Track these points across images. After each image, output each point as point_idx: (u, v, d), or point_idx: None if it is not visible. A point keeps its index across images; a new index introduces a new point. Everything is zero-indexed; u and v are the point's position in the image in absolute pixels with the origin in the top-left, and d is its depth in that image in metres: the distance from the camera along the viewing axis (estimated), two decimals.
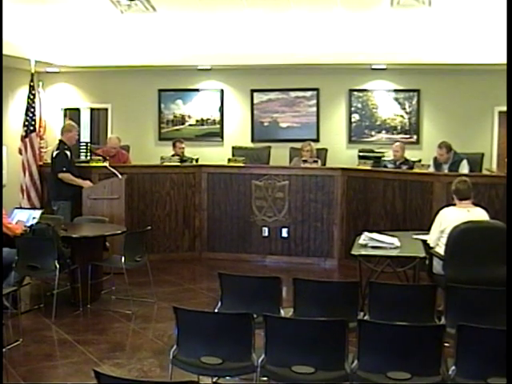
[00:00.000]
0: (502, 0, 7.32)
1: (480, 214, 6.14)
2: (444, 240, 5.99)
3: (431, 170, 8.64)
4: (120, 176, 8.39)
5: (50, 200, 8.58)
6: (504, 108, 9.86)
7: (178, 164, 9.29)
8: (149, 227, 7.76)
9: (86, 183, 8.30)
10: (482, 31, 9.17)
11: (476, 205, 6.24)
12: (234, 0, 8.67)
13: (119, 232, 7.15)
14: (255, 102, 11.24)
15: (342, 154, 10.78)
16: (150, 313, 6.91)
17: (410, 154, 9.62)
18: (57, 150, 8.36)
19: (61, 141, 8.42)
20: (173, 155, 9.61)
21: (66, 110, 11.74)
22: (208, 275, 8.43)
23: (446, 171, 8.57)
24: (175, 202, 9.28)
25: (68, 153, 8.35)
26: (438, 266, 6.11)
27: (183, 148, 9.89)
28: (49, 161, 8.82)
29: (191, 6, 8.90)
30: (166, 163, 9.24)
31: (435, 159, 8.81)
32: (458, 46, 9.47)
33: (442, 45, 9.51)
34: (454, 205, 6.27)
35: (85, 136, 11.78)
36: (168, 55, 10.20)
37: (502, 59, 8.93)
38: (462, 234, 5.85)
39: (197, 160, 9.99)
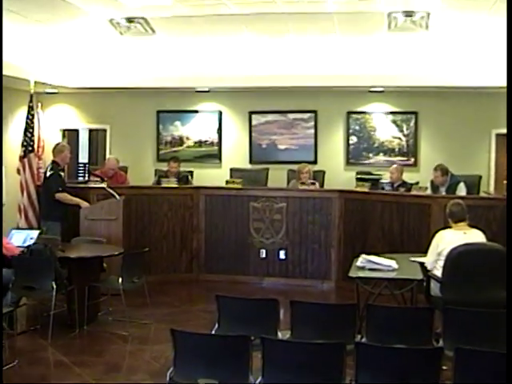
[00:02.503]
0: (498, 23, 7.40)
1: (477, 236, 6.12)
2: (441, 262, 5.96)
3: (429, 192, 8.64)
4: (118, 197, 8.38)
5: (39, 220, 8.59)
6: (502, 130, 9.99)
7: (176, 185, 9.28)
8: (146, 248, 7.70)
9: (84, 203, 8.28)
10: (479, 54, 9.21)
11: (473, 227, 6.22)
12: (234, 23, 8.68)
13: (116, 253, 7.11)
14: (253, 123, 11.27)
15: (340, 176, 10.78)
16: (147, 334, 6.86)
17: (408, 177, 9.62)
18: (50, 170, 8.36)
19: (54, 161, 8.42)
20: (166, 174, 9.62)
21: (64, 130, 11.76)
22: (205, 297, 8.32)
23: (443, 193, 8.57)
24: (173, 224, 9.21)
25: (62, 173, 8.39)
26: (435, 288, 6.07)
27: (176, 167, 9.77)
28: None
29: (190, 29, 8.93)
30: (164, 184, 9.26)
31: (432, 182, 8.82)
32: (456, 69, 9.52)
33: (440, 68, 9.56)
34: (450, 227, 6.28)
35: (83, 157, 11.79)
36: (167, 77, 10.22)
37: (500, 82, 8.96)
38: (459, 257, 5.82)
39: (191, 173, 10.05)
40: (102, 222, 8.23)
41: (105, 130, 11.69)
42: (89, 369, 5.67)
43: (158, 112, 11.41)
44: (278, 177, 10.40)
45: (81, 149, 12.40)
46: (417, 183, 9.24)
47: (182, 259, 9.34)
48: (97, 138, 12.54)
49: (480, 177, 9.36)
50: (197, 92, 11.03)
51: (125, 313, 6.89)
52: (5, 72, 8.10)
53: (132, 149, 11.32)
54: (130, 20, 8.55)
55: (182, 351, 4.11)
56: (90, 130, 12.21)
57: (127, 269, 6.86)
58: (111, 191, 8.40)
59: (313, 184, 9.33)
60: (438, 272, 6.04)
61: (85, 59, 10.02)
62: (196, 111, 11.41)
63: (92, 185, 8.76)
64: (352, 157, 11.09)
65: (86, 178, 9.19)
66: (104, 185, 8.57)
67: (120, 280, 6.76)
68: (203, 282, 9.19)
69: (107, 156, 10.82)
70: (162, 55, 9.98)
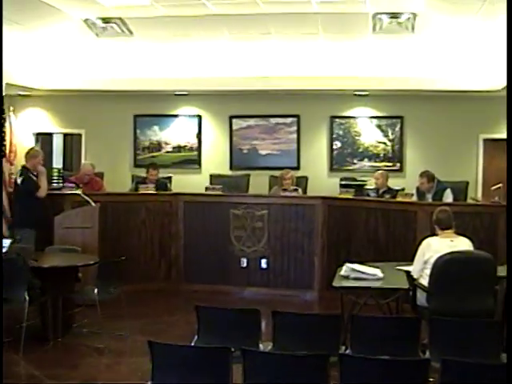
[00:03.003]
0: (486, 26, 7.49)
1: (464, 244, 6.13)
2: (428, 271, 5.97)
3: (414, 199, 8.68)
4: (93, 204, 8.33)
5: (12, 228, 8.46)
6: (489, 136, 10.21)
7: (154, 192, 9.24)
8: (123, 257, 7.58)
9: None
10: (466, 58, 9.27)
11: (460, 234, 6.24)
12: (214, 24, 8.69)
13: (92, 262, 7.06)
14: (234, 128, 11.29)
15: (323, 182, 10.82)
16: (124, 347, 6.80)
17: (393, 183, 9.68)
18: (20, 176, 8.29)
19: (24, 167, 8.34)
20: (143, 181, 9.54)
21: (37, 135, 11.71)
22: (184, 307, 8.26)
23: (429, 200, 8.62)
24: (151, 231, 9.19)
25: (34, 178, 8.28)
26: (421, 297, 6.06)
27: (156, 175, 9.73)
28: None
29: (169, 30, 8.90)
30: (142, 191, 9.21)
31: (418, 188, 8.86)
32: (442, 73, 9.57)
33: (426, 71, 9.60)
34: (437, 235, 6.29)
35: (57, 162, 11.79)
36: (144, 80, 10.20)
37: (487, 86, 9.02)
38: (446, 265, 5.83)
39: (170, 179, 10.00)
40: (76, 230, 8.18)
41: (80, 135, 11.66)
42: (63, 383, 5.61)
43: (136, 116, 11.40)
44: (259, 183, 10.40)
45: (55, 154, 12.42)
46: (402, 189, 9.30)
47: (161, 268, 9.28)
48: (71, 143, 12.51)
49: (467, 183, 9.42)
50: (175, 95, 11.04)
51: (100, 324, 6.84)
52: None
53: (108, 154, 11.26)
54: (105, 20, 8.53)
55: (161, 364, 4.09)
56: (65, 135, 12.22)
57: (103, 278, 6.82)
58: (86, 198, 8.35)
59: (295, 190, 9.31)
60: (425, 281, 6.03)
61: (59, 61, 9.98)
62: (175, 115, 11.41)
63: (66, 191, 8.70)
64: (336, 162, 11.15)
65: (61, 185, 9.16)
66: (79, 191, 8.53)
67: (95, 290, 6.72)
68: (182, 292, 9.13)
69: (82, 161, 10.80)
70: (139, 57, 9.95)
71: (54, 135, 12.14)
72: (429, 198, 8.69)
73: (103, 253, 8.18)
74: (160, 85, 10.32)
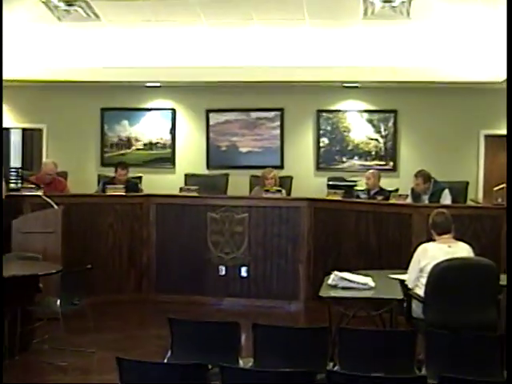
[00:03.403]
0: (487, 13, 7.58)
1: (463, 250, 6.17)
2: (424, 280, 6.00)
3: (409, 200, 8.73)
4: (56, 207, 8.29)
5: None
6: (491, 131, 10.30)
7: (124, 193, 9.23)
8: (89, 265, 7.55)
9: None
10: (466, 46, 9.34)
11: (459, 239, 6.28)
12: (189, 9, 8.71)
13: (54, 271, 7.01)
14: (211, 123, 11.29)
15: (310, 182, 10.86)
16: (90, 364, 6.79)
17: (386, 183, 9.73)
18: None
19: None
20: (112, 181, 9.49)
21: None
22: (156, 320, 8.21)
23: (426, 202, 8.65)
24: (119, 237, 9.17)
25: None
26: (417, 309, 6.11)
27: (125, 175, 9.73)
28: None
29: (140, 15, 8.90)
30: (110, 192, 9.19)
31: (413, 189, 8.92)
32: (440, 63, 9.64)
33: (422, 61, 9.67)
34: (434, 240, 6.30)
35: (15, 161, 11.86)
36: (113, 70, 10.20)
37: (489, 77, 9.17)
38: (443, 273, 5.86)
39: (140, 179, 9.99)
40: (37, 236, 8.12)
41: (40, 130, 11.61)
42: None
43: (103, 110, 11.38)
44: (239, 183, 10.42)
45: (13, 151, 12.42)
46: (396, 190, 9.37)
47: (130, 277, 9.28)
48: (31, 139, 12.48)
49: (467, 183, 9.49)
50: (147, 87, 11.04)
51: (64, 340, 6.81)
52: None
53: (72, 152, 11.27)
54: (69, 3, 8.49)
55: (131, 383, 4.10)
56: (24, 130, 12.19)
57: (67, 289, 6.80)
58: (48, 200, 8.31)
59: (279, 192, 9.34)
60: (420, 291, 6.07)
61: (17, 48, 9.94)
62: (146, 109, 11.41)
63: (26, 193, 8.65)
64: (323, 161, 11.18)
65: (19, 185, 9.20)
66: (40, 193, 8.48)
67: (58, 302, 6.70)
68: (154, 303, 9.13)
69: (43, 160, 10.76)
70: (107, 45, 9.91)
71: (12, 131, 12.13)
72: (425, 199, 8.74)
73: (67, 260, 8.13)
74: (130, 75, 10.31)
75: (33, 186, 8.70)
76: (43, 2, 8.45)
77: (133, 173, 10.11)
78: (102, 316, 8.00)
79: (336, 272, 6.39)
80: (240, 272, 9.22)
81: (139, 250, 9.33)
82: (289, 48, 9.76)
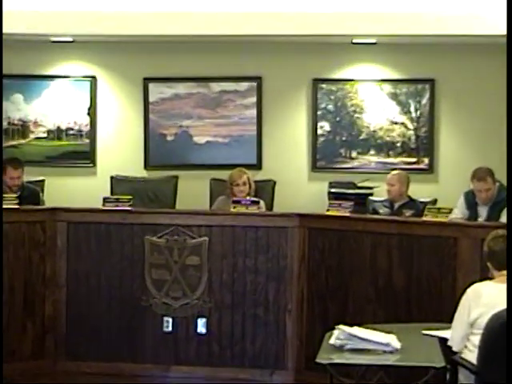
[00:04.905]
0: None
1: None
2: (476, 339, 5.32)
3: (456, 216, 7.82)
4: None
5: None
6: None
7: (17, 206, 8.09)
8: None
9: None
10: None
11: None
12: None
13: None
14: (151, 99, 10.12)
15: (302, 189, 9.93)
16: None
17: (419, 191, 8.81)
18: None
19: None
20: None
21: None
22: None
23: (481, 219, 7.76)
24: (9, 274, 7.98)
25: None
26: (466, 380, 5.50)
27: (19, 176, 8.60)
28: None
29: None
30: None
31: (469, 196, 7.97)
32: (500, 9, 8.36)
33: (472, 5, 8.62)
34: (491, 278, 5.73)
35: None
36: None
37: None
38: (505, 329, 5.07)
39: (42, 185, 9.13)
40: None
41: None
42: None
43: None
44: (193, 191, 9.48)
45: None
46: (434, 202, 8.49)
47: (27, 335, 8.08)
48: None
49: None
50: (53, 43, 10.00)
51: None
52: None
53: None
54: None
55: None
56: None
57: None
58: None
59: (255, 204, 8.33)
60: (472, 355, 5.36)
61: None
62: (51, 77, 10.22)
63: None
64: (322, 157, 10.06)
65: None
66: None
67: None
68: (63, 376, 8.01)
69: None
70: None
71: None
72: (483, 214, 7.75)
73: None
74: (27, 25, 9.08)
75: None
76: None
77: (30, 175, 9.21)
78: None
79: (342, 326, 5.60)
80: (196, 327, 7.96)
81: (41, 294, 8.09)
82: None
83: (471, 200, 8.20)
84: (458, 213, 8.07)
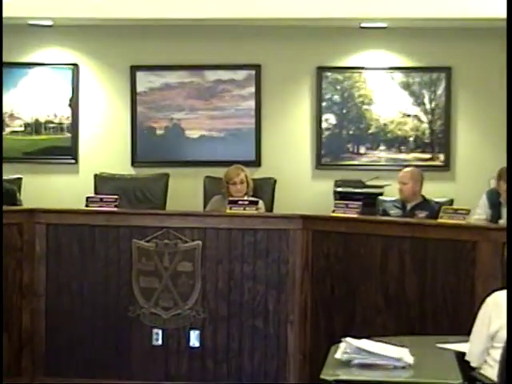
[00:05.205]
0: None
1: None
2: (497, 353, 4.95)
3: (480, 216, 7.58)
4: None
5: None
6: None
7: None
8: None
9: None
10: None
11: None
12: None
13: None
14: (140, 89, 9.82)
15: (305, 189, 9.58)
16: None
17: (433, 190, 8.47)
18: None
19: None
20: None
21: None
22: None
23: (503, 221, 7.46)
24: None
25: None
26: None
27: None
28: None
29: None
30: None
31: (493, 195, 7.66)
32: None
33: None
34: None
35: None
36: None
37: None
38: None
39: (19, 183, 8.74)
40: None
41: None
42: None
43: None
44: (185, 191, 9.18)
45: None
46: (450, 202, 8.18)
47: (2, 350, 7.64)
48: None
49: None
50: (30, 26, 9.60)
51: None
52: None
53: None
54: None
55: None
56: None
57: None
58: None
59: (253, 204, 7.98)
60: (492, 371, 5.05)
61: None
62: (29, 64, 9.87)
63: None
64: (327, 153, 9.72)
65: None
66: None
67: None
68: None
69: None
70: None
71: None
72: (505, 214, 7.48)
73: None
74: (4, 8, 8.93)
75: None
76: None
77: (6, 172, 8.72)
78: None
79: (349, 339, 5.24)
80: (188, 340, 7.59)
81: (17, 304, 7.68)
82: None
83: (495, 199, 7.99)
84: (482, 213, 7.86)
